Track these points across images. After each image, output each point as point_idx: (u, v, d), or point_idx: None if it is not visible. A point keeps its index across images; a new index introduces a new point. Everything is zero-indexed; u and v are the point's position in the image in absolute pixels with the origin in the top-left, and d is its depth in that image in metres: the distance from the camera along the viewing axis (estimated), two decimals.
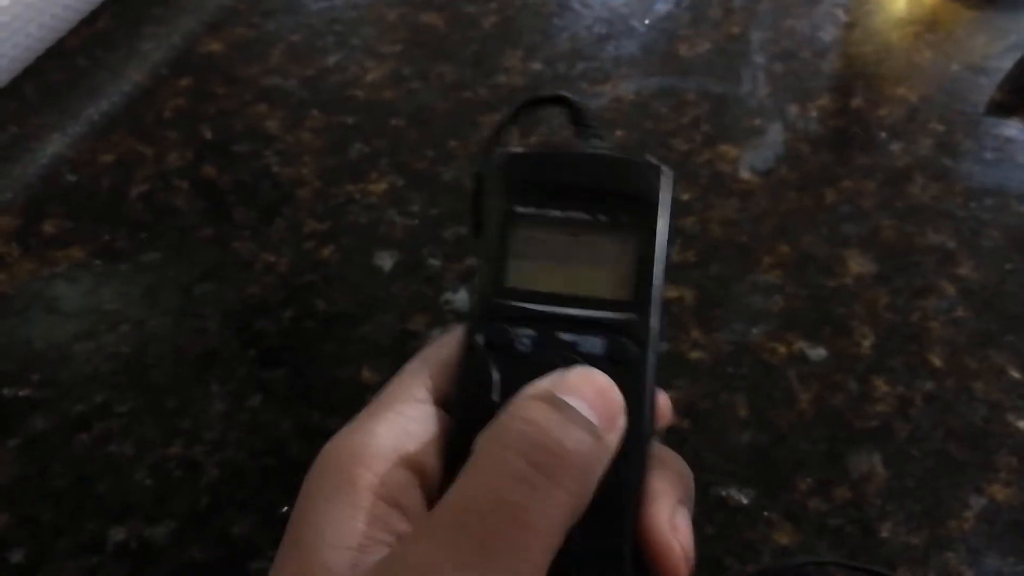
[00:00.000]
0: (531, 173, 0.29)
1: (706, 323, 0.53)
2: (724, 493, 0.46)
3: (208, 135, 0.67)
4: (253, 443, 0.50)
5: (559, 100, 0.32)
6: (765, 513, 0.45)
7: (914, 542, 0.44)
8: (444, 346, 0.29)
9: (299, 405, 0.51)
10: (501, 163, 0.29)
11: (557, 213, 0.28)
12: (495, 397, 0.27)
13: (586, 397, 0.24)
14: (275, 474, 0.50)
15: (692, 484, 0.28)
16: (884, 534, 0.44)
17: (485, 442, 0.23)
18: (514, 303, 0.28)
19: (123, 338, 0.55)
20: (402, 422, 0.26)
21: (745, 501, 0.46)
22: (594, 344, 0.27)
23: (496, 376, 0.27)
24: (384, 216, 0.60)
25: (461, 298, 0.55)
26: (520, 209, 0.29)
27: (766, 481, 0.46)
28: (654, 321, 0.27)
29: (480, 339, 0.28)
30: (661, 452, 0.28)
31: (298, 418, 0.51)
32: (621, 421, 0.25)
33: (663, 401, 0.29)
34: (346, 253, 0.59)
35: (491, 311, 0.28)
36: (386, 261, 0.58)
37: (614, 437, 0.25)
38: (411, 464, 0.25)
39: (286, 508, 0.44)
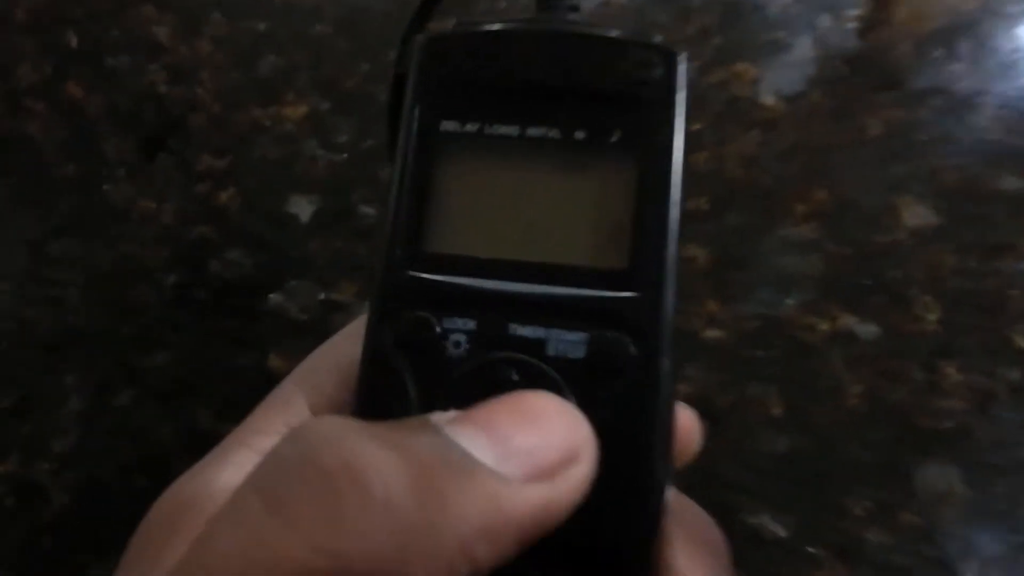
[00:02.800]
0: (466, 66, 0.24)
1: (724, 291, 0.50)
2: (754, 521, 0.44)
3: (73, 43, 0.63)
4: (120, 456, 0.47)
5: None
6: (809, 549, 0.43)
7: None
8: (339, 347, 0.25)
9: (184, 403, 0.48)
10: (421, 53, 0.24)
11: (507, 130, 0.24)
12: None
13: (487, 422, 0.20)
14: (149, 498, 0.45)
15: (725, 551, 0.24)
16: None
17: (261, 460, 0.20)
18: (440, 277, 0.23)
19: None
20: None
21: (782, 533, 0.44)
22: (570, 343, 0.22)
23: (413, 394, 0.22)
24: (302, 150, 0.57)
25: None
26: (448, 126, 0.24)
27: (809, 504, 0.44)
28: (669, 303, 0.22)
29: (388, 337, 0.23)
30: (682, 509, 0.24)
31: (183, 420, 0.48)
32: (576, 470, 0.20)
33: (685, 421, 0.24)
34: (250, 198, 0.56)
35: (404, 290, 0.23)
36: (303, 209, 0.55)
37: (545, 490, 0.20)
38: None
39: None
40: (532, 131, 0.24)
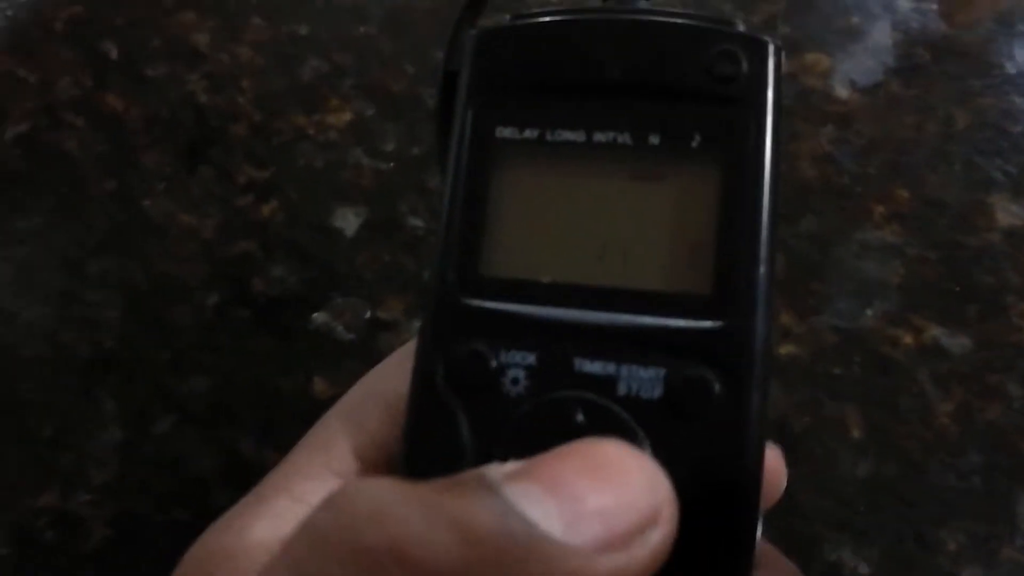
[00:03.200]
0: (523, 63, 0.23)
1: (799, 303, 0.49)
2: (835, 557, 0.42)
3: (113, 54, 0.63)
4: (160, 487, 0.46)
5: None
6: None
7: None
8: (386, 379, 0.24)
9: (226, 429, 0.48)
10: (474, 50, 0.23)
11: (572, 135, 0.22)
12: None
13: (552, 480, 0.18)
14: (189, 533, 0.44)
15: None
16: None
17: (296, 531, 0.18)
18: (496, 305, 0.22)
19: None
20: (298, 514, 0.22)
21: (865, 570, 0.42)
22: (645, 381, 0.21)
23: (467, 438, 0.21)
24: (347, 158, 0.56)
25: None
26: (505, 132, 0.22)
27: (895, 537, 0.43)
28: (760, 333, 0.21)
29: (439, 372, 0.22)
30: (768, 562, 0.23)
31: (223, 449, 0.47)
32: (655, 536, 0.18)
33: (771, 462, 0.23)
34: (294, 211, 0.55)
35: (457, 319, 0.22)
36: (349, 221, 0.54)
37: (623, 559, 0.18)
38: None
39: None
40: (599, 136, 0.22)
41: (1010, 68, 0.57)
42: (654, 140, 0.22)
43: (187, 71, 0.61)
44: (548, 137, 0.22)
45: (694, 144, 0.22)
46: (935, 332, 0.48)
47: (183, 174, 0.57)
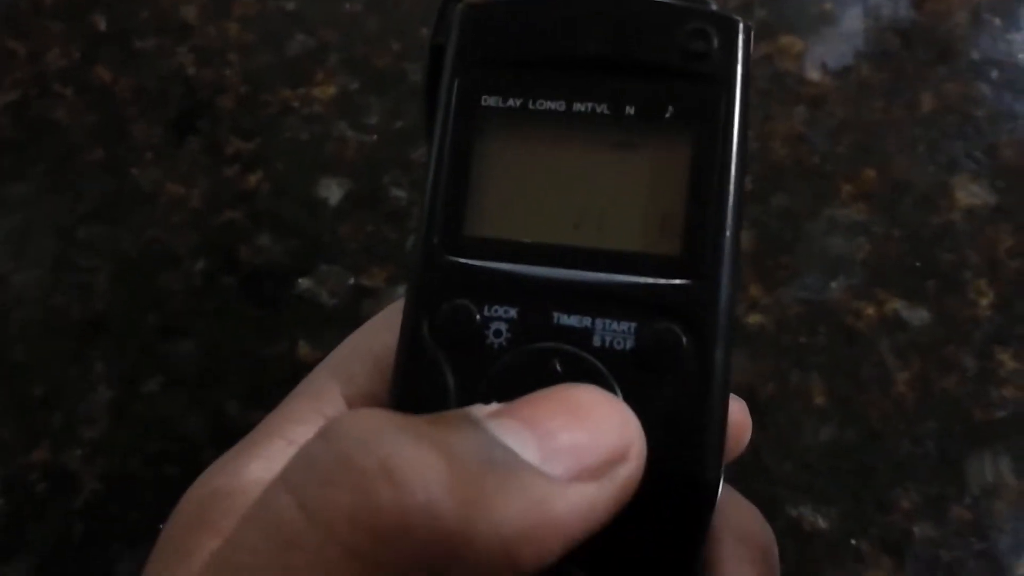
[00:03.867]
0: (508, 36, 0.24)
1: (769, 276, 0.50)
2: (796, 513, 0.43)
3: (102, 26, 0.63)
4: (149, 445, 0.47)
5: None
6: (853, 542, 0.43)
7: None
8: (374, 335, 0.25)
9: (213, 391, 0.49)
10: (460, 23, 0.24)
11: (553, 105, 0.23)
12: None
13: (530, 417, 0.19)
14: (179, 488, 0.45)
15: (776, 556, 0.25)
16: (1021, 571, 0.42)
17: (292, 459, 0.19)
18: (480, 263, 0.23)
19: None
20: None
21: (824, 525, 0.43)
22: (618, 334, 0.22)
23: (452, 387, 0.22)
24: (332, 131, 0.57)
25: None
26: (489, 100, 0.23)
27: (853, 497, 0.44)
28: (725, 291, 0.22)
29: (425, 326, 0.23)
30: (730, 506, 0.24)
31: (211, 409, 0.48)
32: (624, 470, 0.20)
33: (736, 413, 0.23)
34: (280, 182, 0.56)
35: (443, 277, 0.23)
36: (333, 192, 0.55)
37: (593, 489, 0.19)
38: None
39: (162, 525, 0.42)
40: (579, 106, 0.23)
41: (975, 55, 0.58)
42: (630, 111, 0.23)
43: (176, 44, 0.62)
44: (530, 106, 0.23)
45: (667, 116, 0.23)
46: (896, 305, 0.49)
47: (171, 145, 0.57)
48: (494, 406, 0.20)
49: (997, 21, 0.59)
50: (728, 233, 0.22)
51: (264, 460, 0.22)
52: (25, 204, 0.56)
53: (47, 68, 0.61)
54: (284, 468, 0.19)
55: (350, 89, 0.59)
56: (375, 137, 0.57)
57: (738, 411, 0.23)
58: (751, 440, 0.45)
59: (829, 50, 0.59)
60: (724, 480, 0.22)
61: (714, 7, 0.23)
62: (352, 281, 0.51)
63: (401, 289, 0.51)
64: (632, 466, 0.20)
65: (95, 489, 0.45)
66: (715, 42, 0.22)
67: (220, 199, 0.55)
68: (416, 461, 0.17)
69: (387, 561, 0.17)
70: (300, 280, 0.51)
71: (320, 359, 0.28)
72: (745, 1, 0.61)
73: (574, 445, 0.19)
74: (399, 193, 0.54)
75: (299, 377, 0.44)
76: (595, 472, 0.19)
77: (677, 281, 0.22)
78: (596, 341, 0.22)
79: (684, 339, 0.21)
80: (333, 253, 0.53)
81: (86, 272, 0.53)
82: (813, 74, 0.58)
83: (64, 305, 0.51)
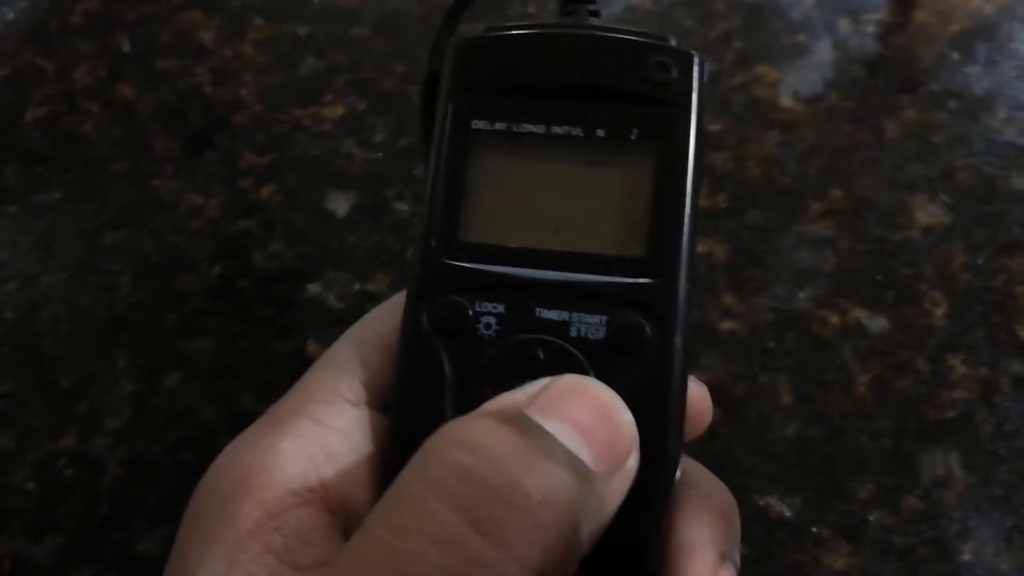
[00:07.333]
0: (495, 68, 0.25)
1: (741, 286, 0.51)
2: (763, 502, 0.44)
3: (125, 47, 0.64)
4: (168, 434, 0.47)
5: None
6: (814, 529, 0.43)
7: (1003, 567, 0.41)
8: (379, 323, 0.25)
9: (227, 385, 0.49)
10: (454, 55, 0.25)
11: (534, 128, 0.25)
12: (447, 406, 0.23)
13: (575, 420, 0.20)
14: (195, 474, 0.46)
15: (738, 520, 0.25)
16: (965, 556, 0.42)
17: (408, 480, 0.19)
18: (472, 265, 0.24)
19: (8, 298, 0.52)
20: (319, 435, 0.23)
21: (789, 513, 0.43)
22: (591, 325, 0.23)
23: (448, 372, 0.24)
24: (340, 148, 0.58)
25: None
26: (479, 124, 0.25)
27: (816, 487, 0.44)
28: (683, 288, 0.23)
29: (425, 318, 0.24)
30: (694, 476, 0.25)
31: (226, 402, 0.48)
32: (632, 461, 0.21)
33: (698, 396, 0.25)
34: (291, 194, 0.56)
35: (440, 276, 0.24)
36: (341, 204, 0.55)
37: (619, 483, 0.20)
38: (326, 498, 0.22)
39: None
40: (557, 129, 0.24)
41: (935, 86, 0.59)
42: (601, 133, 0.24)
43: (195, 64, 0.62)
44: (514, 128, 0.25)
45: (633, 137, 0.24)
46: (858, 314, 0.49)
47: (190, 158, 0.58)
48: (530, 401, 0.20)
49: (956, 55, 0.60)
50: (685, 237, 0.24)
51: (294, 438, 0.23)
52: (54, 211, 0.56)
53: (74, 85, 0.61)
54: (426, 476, 0.19)
55: (357, 109, 0.59)
56: (380, 154, 0.57)
57: (700, 395, 0.25)
58: (724, 435, 0.46)
59: (801, 79, 0.59)
60: (698, 463, 0.24)
61: (674, 43, 0.25)
62: (358, 287, 0.51)
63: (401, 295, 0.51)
64: (636, 455, 0.21)
65: (118, 474, 0.45)
66: (674, 73, 0.24)
67: (235, 209, 0.55)
68: (550, 480, 0.19)
69: (549, 571, 0.19)
70: (309, 285, 0.51)
71: None
72: (724, 32, 0.62)
73: (608, 444, 0.20)
74: (402, 206, 0.55)
75: None
76: (619, 466, 0.21)
77: (642, 279, 0.23)
78: (573, 332, 0.23)
79: (648, 329, 0.23)
80: (340, 260, 0.53)
81: (110, 275, 0.53)
82: (786, 101, 0.58)
83: (89, 304, 0.51)
